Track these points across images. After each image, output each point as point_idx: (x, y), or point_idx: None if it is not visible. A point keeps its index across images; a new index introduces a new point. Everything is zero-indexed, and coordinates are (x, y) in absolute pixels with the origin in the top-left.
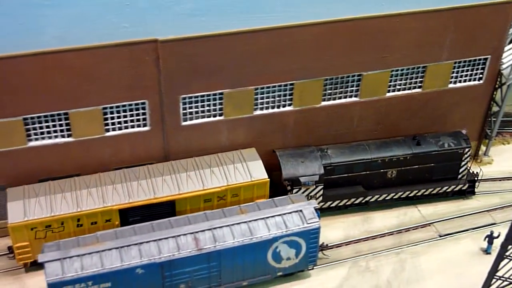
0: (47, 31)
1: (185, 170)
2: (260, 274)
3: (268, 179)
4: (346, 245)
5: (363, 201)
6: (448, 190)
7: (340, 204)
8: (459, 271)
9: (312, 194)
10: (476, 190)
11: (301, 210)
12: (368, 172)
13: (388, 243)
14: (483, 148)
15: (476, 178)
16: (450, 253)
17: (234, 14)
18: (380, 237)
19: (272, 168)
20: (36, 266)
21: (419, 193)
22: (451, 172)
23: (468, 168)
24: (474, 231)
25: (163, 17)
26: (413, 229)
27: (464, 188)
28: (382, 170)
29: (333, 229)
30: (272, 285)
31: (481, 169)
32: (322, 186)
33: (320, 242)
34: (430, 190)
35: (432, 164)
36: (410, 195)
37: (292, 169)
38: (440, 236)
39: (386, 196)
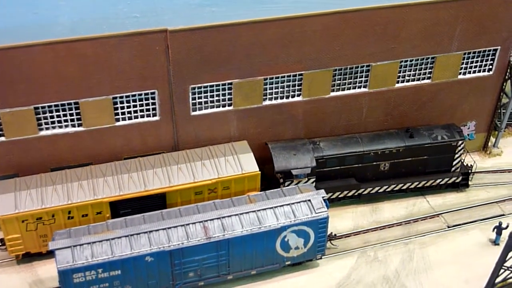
0: (59, 20)
1: (176, 163)
2: (269, 263)
3: (259, 172)
4: (355, 235)
5: (356, 194)
6: (441, 183)
7: (333, 196)
8: (468, 262)
9: None
10: (471, 182)
11: (309, 200)
12: (360, 164)
13: (397, 234)
14: (492, 139)
15: (470, 171)
16: (458, 244)
17: (245, 4)
18: (389, 227)
19: (266, 161)
20: (27, 258)
21: (412, 186)
22: (445, 164)
23: (462, 160)
24: (482, 222)
25: (173, 7)
26: (422, 220)
27: (457, 180)
28: (374, 163)
29: (342, 219)
30: (280, 274)
31: (475, 162)
32: (314, 179)
33: (329, 232)
34: (423, 182)
35: (425, 157)
36: (403, 188)
37: (284, 161)
38: (449, 227)
39: (379, 189)
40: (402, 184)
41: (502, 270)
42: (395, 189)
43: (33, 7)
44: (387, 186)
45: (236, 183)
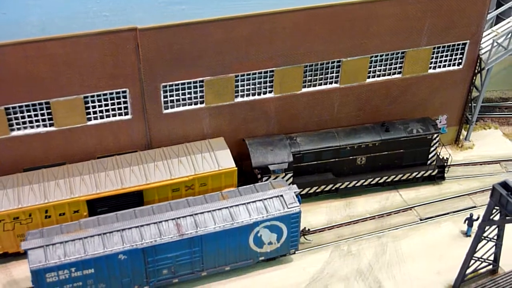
0: (29, 20)
1: (152, 160)
2: (242, 259)
3: (236, 168)
4: (329, 229)
5: (333, 188)
6: (417, 176)
7: (310, 191)
8: (440, 254)
9: None
10: (445, 175)
11: (282, 195)
12: (337, 159)
13: (370, 227)
14: (464, 133)
15: (445, 164)
16: (430, 237)
17: (215, 2)
18: (362, 221)
19: (243, 157)
20: (4, 258)
21: (389, 180)
22: (421, 158)
23: (438, 153)
24: (455, 214)
25: (143, 6)
26: (395, 213)
27: (433, 173)
28: (351, 157)
29: (316, 214)
30: (254, 269)
31: (450, 155)
32: (291, 174)
33: (302, 227)
34: (400, 176)
35: (401, 150)
36: (380, 181)
37: (261, 157)
38: (421, 220)
39: (356, 183)
40: (378, 178)
41: (472, 261)
42: (372, 183)
43: (2, 7)
44: (364, 180)
45: (213, 180)
